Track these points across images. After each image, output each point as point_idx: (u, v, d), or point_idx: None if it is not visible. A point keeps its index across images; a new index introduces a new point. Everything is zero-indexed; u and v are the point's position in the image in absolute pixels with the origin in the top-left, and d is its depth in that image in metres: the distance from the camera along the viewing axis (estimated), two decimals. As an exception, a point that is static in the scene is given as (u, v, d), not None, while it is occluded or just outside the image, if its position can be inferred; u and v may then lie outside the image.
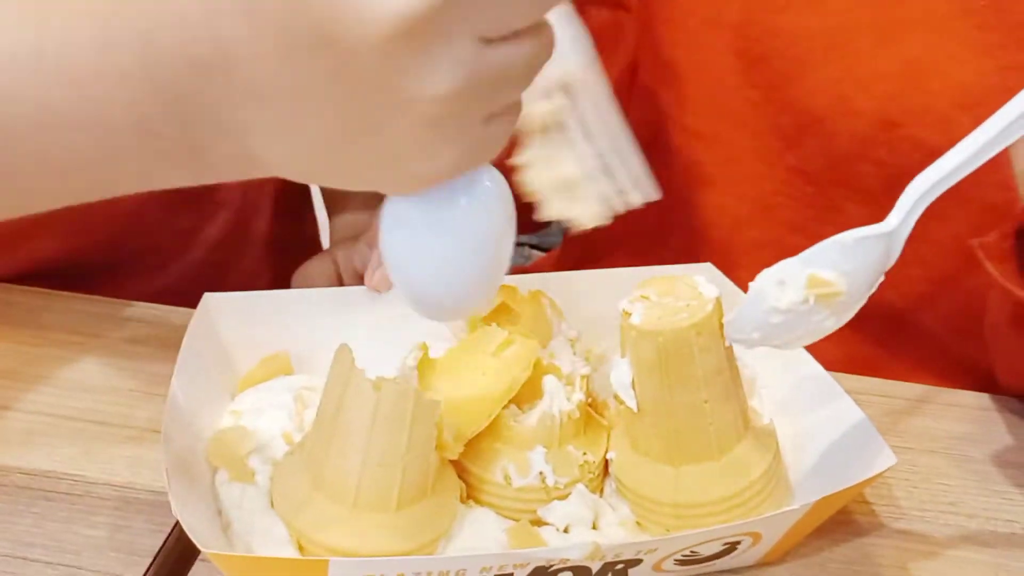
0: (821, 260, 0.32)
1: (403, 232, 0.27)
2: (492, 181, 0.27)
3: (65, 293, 0.47)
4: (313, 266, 0.51)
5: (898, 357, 0.51)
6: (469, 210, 0.27)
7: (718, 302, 0.34)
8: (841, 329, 0.33)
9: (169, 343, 0.44)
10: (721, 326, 0.34)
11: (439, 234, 0.27)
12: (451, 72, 0.22)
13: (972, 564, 0.38)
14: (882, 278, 0.34)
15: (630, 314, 0.33)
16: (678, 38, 0.50)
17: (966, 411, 0.46)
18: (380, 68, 0.22)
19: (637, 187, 0.34)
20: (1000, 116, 0.32)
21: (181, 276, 0.53)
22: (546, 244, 1.25)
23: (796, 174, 0.50)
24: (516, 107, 0.26)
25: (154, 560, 0.34)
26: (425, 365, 0.35)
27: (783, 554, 0.37)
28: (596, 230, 0.34)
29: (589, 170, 0.33)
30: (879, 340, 0.50)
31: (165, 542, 0.35)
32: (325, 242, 0.62)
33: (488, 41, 0.23)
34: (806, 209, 0.50)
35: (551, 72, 0.28)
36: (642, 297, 0.34)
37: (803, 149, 0.49)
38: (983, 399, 0.47)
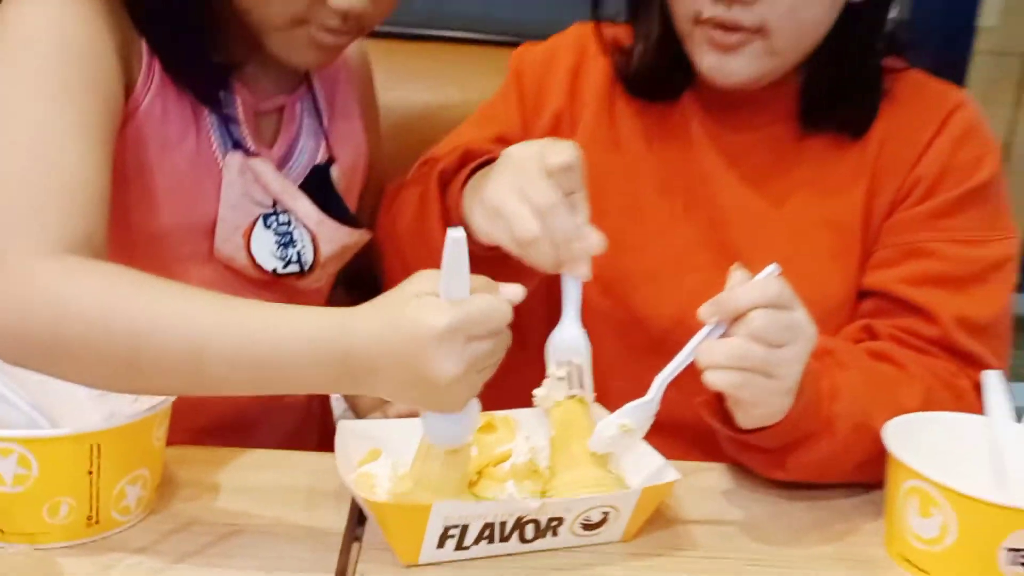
0: (624, 415, 0.74)
1: (436, 423, 0.66)
2: (475, 404, 0.66)
3: (225, 448, 0.82)
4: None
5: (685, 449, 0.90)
6: (466, 414, 0.66)
7: (584, 399, 0.75)
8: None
9: (296, 470, 0.80)
10: (587, 409, 0.76)
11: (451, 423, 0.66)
12: (459, 357, 0.60)
13: (729, 529, 0.77)
14: (652, 419, 0.74)
15: (547, 397, 0.75)
16: None
17: (722, 471, 0.87)
18: (432, 355, 0.60)
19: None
20: (691, 341, 0.72)
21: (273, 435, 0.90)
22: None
23: (632, 347, 0.90)
24: (488, 370, 0.64)
25: (343, 540, 0.70)
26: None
27: (634, 533, 0.74)
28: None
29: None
30: (685, 443, 0.90)
31: (344, 534, 0.70)
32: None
33: (473, 339, 0.61)
34: (637, 366, 0.84)
35: (566, 355, 0.75)
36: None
37: (636, 334, 0.91)
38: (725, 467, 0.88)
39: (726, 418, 0.77)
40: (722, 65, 0.86)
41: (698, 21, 0.85)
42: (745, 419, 0.75)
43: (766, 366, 0.70)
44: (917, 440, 0.72)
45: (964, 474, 0.68)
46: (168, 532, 0.70)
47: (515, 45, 1.50)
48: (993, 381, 0.77)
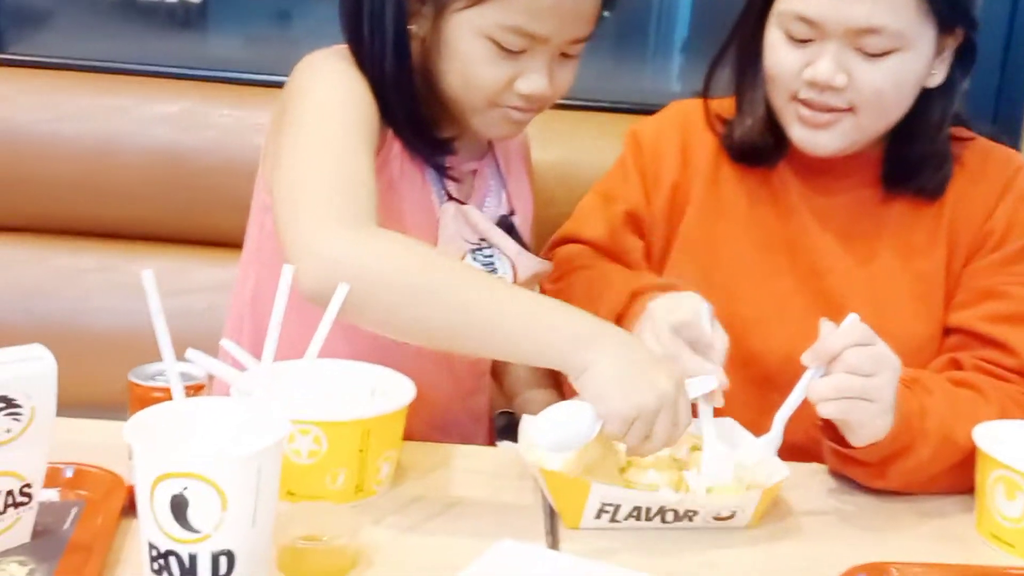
0: (756, 451, 0.92)
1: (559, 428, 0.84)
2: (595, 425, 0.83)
3: (436, 443, 1.01)
4: None
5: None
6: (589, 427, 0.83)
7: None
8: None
9: (487, 459, 0.98)
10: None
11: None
12: (668, 389, 0.81)
13: (832, 519, 0.94)
14: (777, 451, 0.91)
15: None
16: None
17: (826, 472, 1.03)
18: (660, 369, 0.83)
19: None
20: (799, 384, 0.89)
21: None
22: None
23: (750, 380, 1.05)
24: (656, 435, 0.82)
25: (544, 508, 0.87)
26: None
27: (757, 520, 0.90)
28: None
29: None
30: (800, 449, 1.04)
31: (543, 505, 0.88)
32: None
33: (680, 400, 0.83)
34: (755, 396, 1.01)
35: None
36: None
37: (752, 368, 1.06)
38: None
39: (835, 439, 0.95)
40: (813, 138, 1.04)
41: (793, 98, 1.03)
42: (857, 440, 0.92)
43: (864, 392, 0.88)
44: (1002, 441, 0.89)
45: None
46: (407, 502, 0.89)
47: (619, 111, 1.69)
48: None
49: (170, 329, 0.70)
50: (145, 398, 0.81)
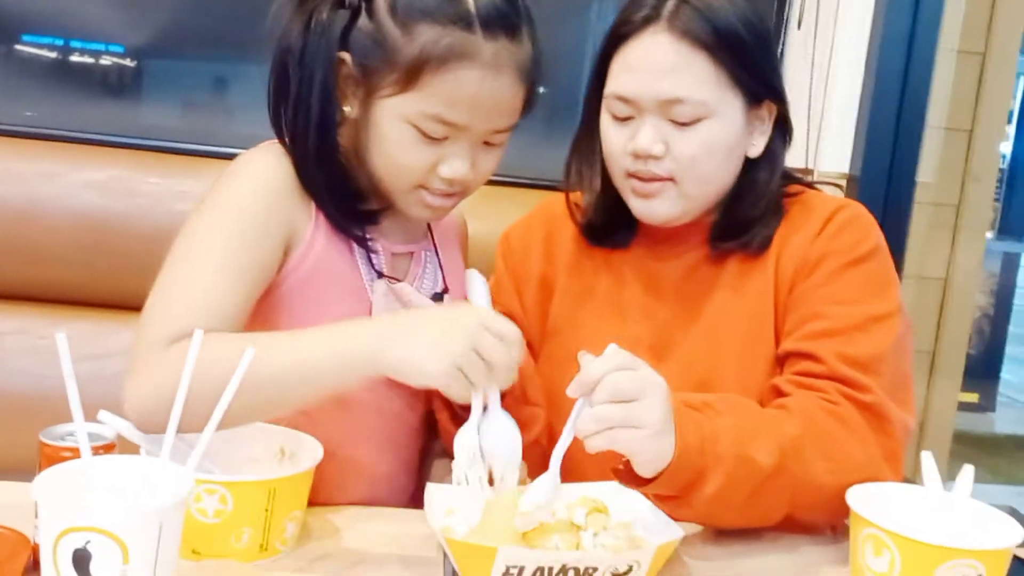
0: (537, 493, 0.95)
1: None
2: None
3: (344, 505, 1.04)
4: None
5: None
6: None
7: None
8: None
9: (395, 519, 1.02)
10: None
11: None
12: (472, 328, 0.91)
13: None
14: (556, 489, 0.94)
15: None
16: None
17: (715, 533, 1.09)
18: (457, 312, 0.96)
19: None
20: (569, 418, 0.91)
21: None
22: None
23: None
24: (480, 364, 0.90)
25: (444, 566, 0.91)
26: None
27: None
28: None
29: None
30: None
31: (444, 564, 0.92)
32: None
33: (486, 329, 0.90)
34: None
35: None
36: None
37: None
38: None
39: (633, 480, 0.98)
40: (648, 207, 1.14)
41: (627, 175, 1.14)
42: (642, 470, 0.95)
43: (627, 419, 0.90)
44: (873, 503, 0.96)
45: (905, 526, 0.92)
46: (311, 560, 0.92)
47: (548, 188, 1.76)
48: (928, 461, 1.01)
49: (84, 391, 0.73)
50: (54, 457, 0.83)
